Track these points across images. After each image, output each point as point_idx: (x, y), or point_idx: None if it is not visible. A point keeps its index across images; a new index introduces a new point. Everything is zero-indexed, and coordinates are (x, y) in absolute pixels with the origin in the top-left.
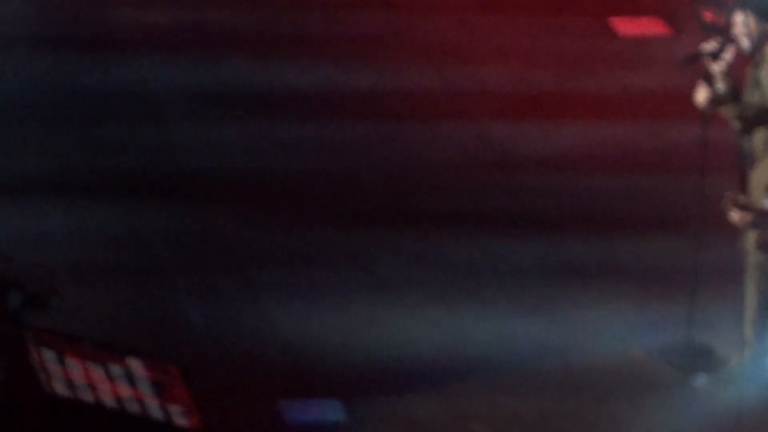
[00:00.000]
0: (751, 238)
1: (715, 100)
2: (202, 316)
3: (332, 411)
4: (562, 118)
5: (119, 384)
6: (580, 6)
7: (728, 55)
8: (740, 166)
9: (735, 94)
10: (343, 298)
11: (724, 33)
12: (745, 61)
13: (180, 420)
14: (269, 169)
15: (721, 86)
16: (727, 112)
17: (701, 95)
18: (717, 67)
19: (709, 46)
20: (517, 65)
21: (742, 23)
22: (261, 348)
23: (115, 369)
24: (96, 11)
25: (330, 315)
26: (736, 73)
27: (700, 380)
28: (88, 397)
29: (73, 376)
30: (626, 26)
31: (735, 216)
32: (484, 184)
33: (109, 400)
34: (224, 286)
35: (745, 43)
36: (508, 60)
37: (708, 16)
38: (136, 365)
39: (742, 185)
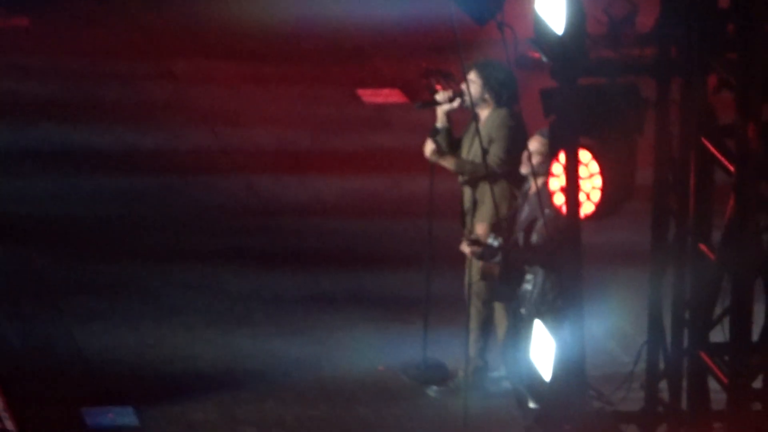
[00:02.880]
0: (473, 270)
1: (439, 153)
2: (17, 336)
3: (126, 416)
4: (317, 172)
5: None
6: (331, 78)
7: (455, 103)
8: (461, 209)
9: (451, 139)
10: (135, 322)
11: (456, 90)
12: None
13: (6, 424)
14: (74, 215)
15: (440, 124)
16: (447, 164)
17: (427, 148)
18: (440, 110)
19: (441, 95)
20: (280, 127)
21: (472, 82)
22: (67, 363)
23: None
24: None
25: (125, 336)
26: (454, 130)
27: (433, 391)
28: None
29: None
30: (370, 95)
31: (466, 249)
32: (253, 227)
33: None
34: (37, 311)
35: (469, 100)
36: (272, 123)
37: (438, 86)
38: None
39: (464, 225)
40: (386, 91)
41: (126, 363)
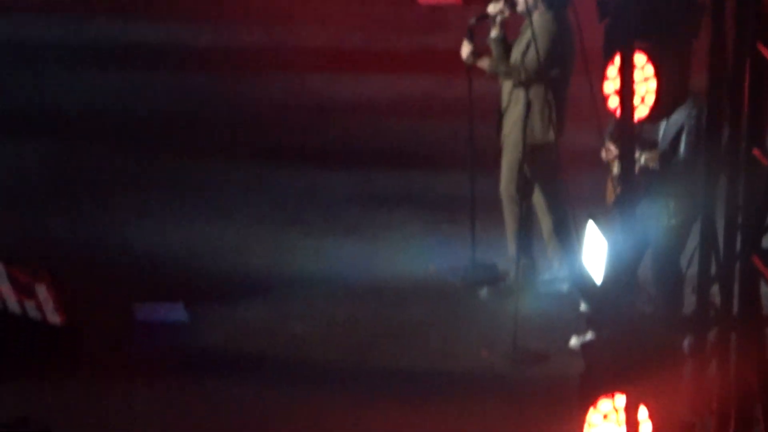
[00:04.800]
0: (504, 170)
1: (474, 54)
2: (68, 231)
3: (176, 312)
4: (370, 72)
5: None
6: None
7: (506, 12)
8: (499, 111)
9: (506, 47)
10: (186, 219)
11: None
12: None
13: (54, 318)
14: (127, 110)
15: (494, 34)
16: (484, 65)
17: (464, 50)
18: (496, 19)
19: (493, 8)
20: (334, 26)
21: None
22: (117, 258)
23: None
24: None
25: (176, 232)
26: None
27: (483, 291)
28: None
29: None
30: None
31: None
32: (305, 125)
33: None
34: (87, 206)
35: (521, 6)
36: (326, 22)
37: None
38: (3, 270)
39: (499, 127)
40: None
41: (177, 260)
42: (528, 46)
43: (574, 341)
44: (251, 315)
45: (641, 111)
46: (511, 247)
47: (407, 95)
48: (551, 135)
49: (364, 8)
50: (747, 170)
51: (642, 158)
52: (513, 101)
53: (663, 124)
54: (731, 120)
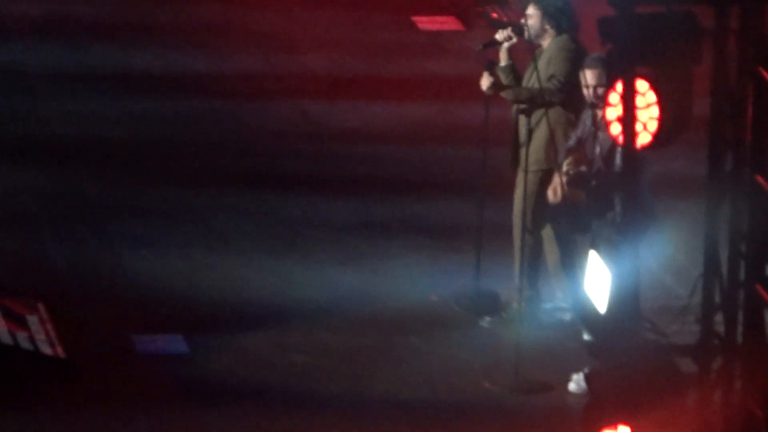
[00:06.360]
0: (518, 200)
1: (495, 85)
2: (64, 260)
3: (176, 344)
4: (370, 98)
5: None
6: (386, 4)
7: (514, 39)
8: (514, 140)
9: (515, 75)
10: (184, 247)
11: (515, 24)
12: (527, 53)
13: (46, 349)
14: (125, 138)
15: (504, 63)
16: (506, 95)
17: (484, 81)
18: (504, 47)
19: (501, 35)
20: (333, 53)
21: (530, 16)
22: (115, 288)
23: None
24: None
25: (173, 261)
26: (517, 63)
27: (485, 321)
28: None
29: None
30: (425, 22)
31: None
32: (304, 152)
33: None
34: (84, 235)
35: (530, 33)
36: (325, 48)
37: (493, 14)
38: (3, 302)
39: (515, 156)
40: (442, 18)
41: (175, 289)
42: (548, 64)
43: (573, 386)
44: (250, 345)
45: (644, 138)
46: (518, 276)
47: (407, 121)
48: None
49: (365, 34)
50: (750, 197)
51: (564, 165)
52: (534, 127)
53: (599, 140)
54: (734, 145)
